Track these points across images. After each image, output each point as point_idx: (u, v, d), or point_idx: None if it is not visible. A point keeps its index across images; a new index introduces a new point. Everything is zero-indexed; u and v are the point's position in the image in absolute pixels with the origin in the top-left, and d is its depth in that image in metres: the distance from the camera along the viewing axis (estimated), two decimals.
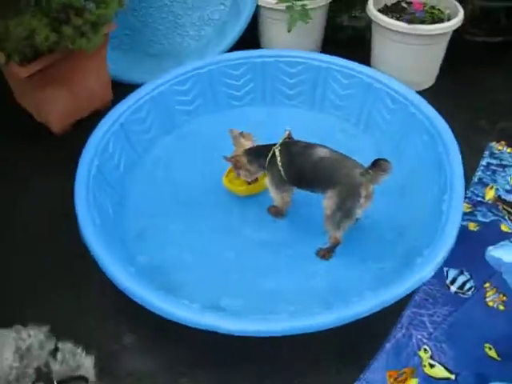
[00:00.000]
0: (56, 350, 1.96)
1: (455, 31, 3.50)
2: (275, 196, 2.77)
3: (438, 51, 3.55)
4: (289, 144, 2.65)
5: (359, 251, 2.69)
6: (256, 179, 2.87)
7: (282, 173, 2.62)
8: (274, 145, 2.66)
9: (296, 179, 2.64)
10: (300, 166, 2.58)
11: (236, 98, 3.48)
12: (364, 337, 2.43)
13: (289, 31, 3.47)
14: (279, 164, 2.61)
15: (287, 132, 2.70)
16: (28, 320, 2.05)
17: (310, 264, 2.65)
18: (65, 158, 3.04)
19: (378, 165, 2.37)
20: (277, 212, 2.85)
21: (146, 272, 2.50)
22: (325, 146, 2.58)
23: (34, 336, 1.95)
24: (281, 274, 2.62)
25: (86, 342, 2.05)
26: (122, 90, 3.39)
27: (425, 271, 2.26)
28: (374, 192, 2.56)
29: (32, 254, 2.84)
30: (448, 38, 3.49)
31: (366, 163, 2.49)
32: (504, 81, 3.76)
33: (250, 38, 3.89)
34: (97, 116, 3.21)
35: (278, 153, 2.62)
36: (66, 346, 1.99)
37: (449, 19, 3.42)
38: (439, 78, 3.76)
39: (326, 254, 2.66)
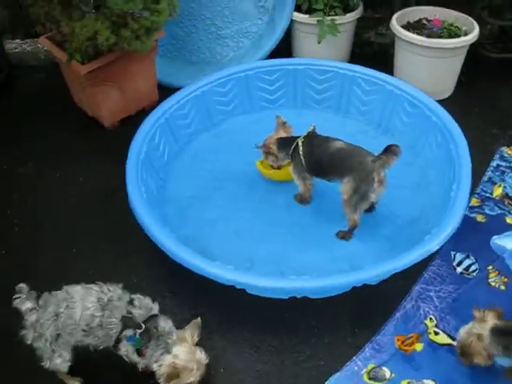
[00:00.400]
0: (131, 300, 2.32)
1: (473, 47, 3.83)
2: (298, 182, 3.12)
3: (455, 64, 3.88)
4: (311, 137, 3.02)
5: (376, 234, 3.01)
6: (281, 166, 3.21)
7: (303, 162, 2.97)
8: (299, 137, 3.03)
9: (315, 168, 3.00)
10: (319, 156, 2.94)
11: (269, 101, 3.86)
12: (377, 306, 2.74)
13: (319, 43, 3.85)
14: (301, 153, 2.97)
15: (312, 126, 3.06)
16: (80, 277, 2.42)
17: (331, 243, 2.97)
18: (114, 149, 3.47)
19: (389, 150, 2.71)
20: (302, 198, 3.19)
21: (184, 242, 2.82)
22: (341, 140, 2.95)
23: (113, 291, 2.31)
24: (304, 252, 2.94)
25: None
26: (166, 92, 3.77)
27: (431, 245, 2.56)
28: (393, 186, 2.92)
29: (83, 222, 3.26)
30: (464, 52, 3.82)
31: None
32: None
33: (284, 49, 4.28)
34: (143, 114, 3.61)
35: (300, 143, 2.98)
36: (137, 296, 2.36)
37: (465, 35, 3.75)
38: (457, 89, 4.08)
39: (345, 235, 2.97)
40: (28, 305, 2.26)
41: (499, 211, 3.16)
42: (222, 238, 3.02)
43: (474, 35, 3.73)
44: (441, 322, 2.65)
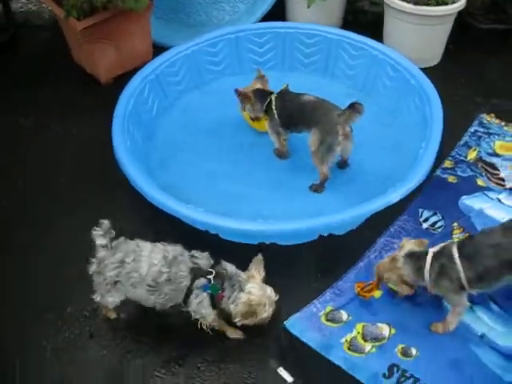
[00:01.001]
0: (192, 255, 2.41)
1: (463, 17, 3.89)
2: (273, 137, 3.28)
3: (442, 32, 3.95)
4: (284, 93, 3.19)
5: (348, 190, 3.15)
6: (258, 118, 3.33)
7: (276, 115, 3.13)
8: (273, 92, 3.19)
9: (287, 121, 3.15)
10: (290, 110, 3.11)
11: (258, 63, 3.94)
12: (343, 256, 2.88)
13: (308, 7, 3.93)
14: (273, 107, 3.13)
15: (285, 85, 3.22)
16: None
17: (304, 196, 3.12)
18: (108, 103, 3.59)
19: (353, 107, 2.86)
20: (280, 153, 3.34)
21: (164, 189, 2.96)
22: (311, 95, 3.09)
23: (174, 250, 2.39)
24: (278, 204, 3.09)
25: None
26: (162, 53, 3.89)
27: (392, 196, 2.71)
28: (372, 146, 3.17)
29: (78, 170, 3.46)
30: (451, 20, 3.88)
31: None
32: (501, 64, 4.14)
33: (278, 14, 4.37)
34: None
35: (273, 98, 3.15)
36: (194, 251, 2.44)
37: (453, 3, 3.81)
38: (445, 58, 4.15)
39: (317, 188, 3.12)
40: (102, 241, 2.32)
41: (471, 173, 3.26)
42: (201, 187, 3.18)
43: (461, 3, 3.79)
44: None
